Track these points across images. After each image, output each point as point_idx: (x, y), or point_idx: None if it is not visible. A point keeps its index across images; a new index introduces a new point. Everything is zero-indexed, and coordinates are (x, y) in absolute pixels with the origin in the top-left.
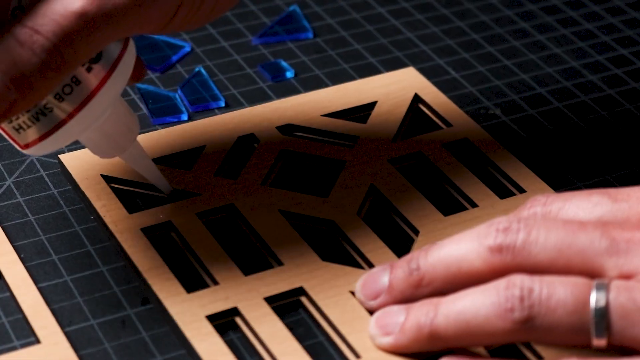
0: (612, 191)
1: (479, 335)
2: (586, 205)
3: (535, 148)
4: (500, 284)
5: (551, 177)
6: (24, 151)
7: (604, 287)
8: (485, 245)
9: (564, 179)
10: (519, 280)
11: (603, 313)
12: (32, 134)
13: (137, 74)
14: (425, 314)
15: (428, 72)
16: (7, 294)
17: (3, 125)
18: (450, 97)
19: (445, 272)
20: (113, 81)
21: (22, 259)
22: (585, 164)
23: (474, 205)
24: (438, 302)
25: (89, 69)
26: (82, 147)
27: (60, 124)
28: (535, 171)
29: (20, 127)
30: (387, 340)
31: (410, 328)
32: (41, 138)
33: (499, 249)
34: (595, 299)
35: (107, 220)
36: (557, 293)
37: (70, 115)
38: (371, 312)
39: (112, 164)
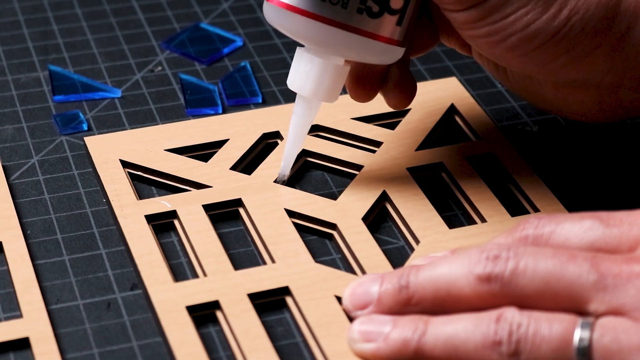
0: (605, 215)
1: None
2: (577, 230)
3: (562, 168)
4: (492, 315)
5: (573, 199)
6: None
7: (588, 326)
8: (474, 273)
9: (586, 202)
10: (510, 315)
11: (585, 352)
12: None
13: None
14: (413, 330)
15: (474, 84)
16: (5, 267)
17: None
18: (491, 111)
19: (434, 294)
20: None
21: (27, 235)
22: (613, 190)
23: (483, 220)
24: (428, 321)
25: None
26: (109, 131)
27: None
28: (558, 192)
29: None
30: (367, 347)
31: (395, 340)
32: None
33: (488, 278)
34: (579, 337)
35: (115, 204)
36: (542, 330)
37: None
38: (351, 318)
39: (134, 150)
